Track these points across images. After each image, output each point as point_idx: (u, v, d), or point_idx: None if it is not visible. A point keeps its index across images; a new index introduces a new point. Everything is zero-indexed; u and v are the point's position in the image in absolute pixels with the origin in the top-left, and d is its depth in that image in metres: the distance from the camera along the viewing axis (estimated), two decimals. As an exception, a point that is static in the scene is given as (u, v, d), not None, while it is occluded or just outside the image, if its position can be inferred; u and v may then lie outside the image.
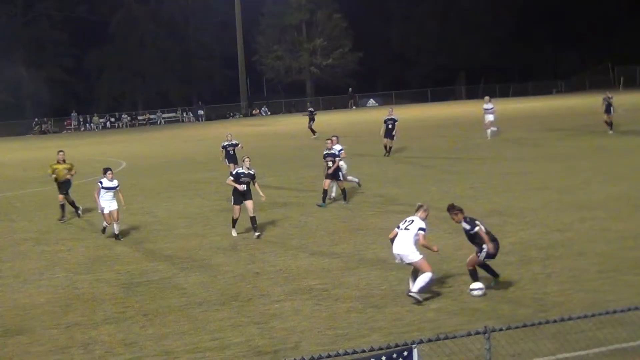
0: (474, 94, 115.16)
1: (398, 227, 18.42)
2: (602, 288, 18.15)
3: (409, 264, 18.20)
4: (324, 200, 30.63)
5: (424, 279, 17.85)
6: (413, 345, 10.01)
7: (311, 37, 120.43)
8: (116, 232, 26.82)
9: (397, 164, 42.36)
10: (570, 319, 11.50)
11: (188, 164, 48.78)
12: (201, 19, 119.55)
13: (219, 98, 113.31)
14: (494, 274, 18.64)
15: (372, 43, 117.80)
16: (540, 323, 11.07)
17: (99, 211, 27.03)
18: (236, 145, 38.76)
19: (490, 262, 18.51)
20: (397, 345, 10.11)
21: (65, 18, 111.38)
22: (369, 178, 37.53)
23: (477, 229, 18.13)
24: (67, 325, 17.85)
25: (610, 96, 50.79)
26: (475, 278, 18.27)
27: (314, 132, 62.70)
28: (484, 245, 18.04)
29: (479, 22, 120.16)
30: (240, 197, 25.84)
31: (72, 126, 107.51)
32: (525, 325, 11.09)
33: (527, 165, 38.23)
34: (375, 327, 16.44)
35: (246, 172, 25.92)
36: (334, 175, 30.80)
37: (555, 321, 11.16)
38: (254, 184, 26.04)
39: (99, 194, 26.67)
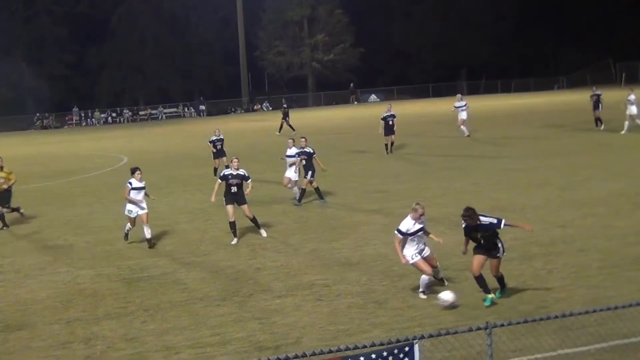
0: (475, 90, 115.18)
1: None
2: (604, 284, 18.15)
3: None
4: (299, 199, 30.53)
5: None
6: (414, 341, 10.01)
7: (313, 32, 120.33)
8: (148, 236, 24.93)
9: (398, 159, 42.34)
10: (571, 314, 11.49)
11: (189, 159, 48.77)
12: (202, 15, 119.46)
13: (220, 93, 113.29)
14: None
15: (374, 39, 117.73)
16: (541, 319, 11.06)
17: (126, 213, 25.25)
18: (223, 140, 40.04)
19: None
20: (398, 341, 10.11)
21: (66, 14, 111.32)
22: (371, 174, 37.57)
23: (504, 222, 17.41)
24: (69, 321, 17.86)
25: (598, 92, 50.50)
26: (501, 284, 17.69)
27: (292, 127, 62.60)
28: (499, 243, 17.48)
29: (479, 19, 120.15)
30: (231, 197, 24.97)
31: (74, 121, 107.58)
32: (526, 321, 11.09)
33: (528, 161, 38.21)
34: (376, 323, 16.45)
35: (234, 174, 24.93)
36: (305, 173, 30.45)
37: (556, 317, 11.15)
38: (247, 185, 25.15)
39: (129, 194, 24.89)
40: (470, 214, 17.18)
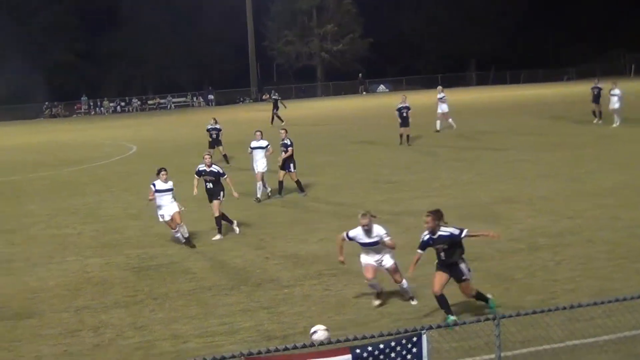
0: (484, 81, 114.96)
1: None
2: (612, 275, 18.14)
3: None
4: (279, 192, 30.39)
5: None
6: (422, 331, 10.03)
7: (321, 22, 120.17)
8: (185, 235, 23.56)
9: (407, 150, 42.29)
10: (579, 306, 11.50)
11: (198, 149, 48.60)
12: (212, 4, 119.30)
13: (229, 83, 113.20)
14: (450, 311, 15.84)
15: (383, 29, 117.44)
16: (549, 310, 11.07)
17: (160, 220, 24.03)
18: (220, 130, 41.10)
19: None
20: (406, 331, 10.13)
21: (77, 2, 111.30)
22: (381, 164, 37.58)
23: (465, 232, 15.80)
24: (77, 309, 17.93)
25: (599, 86, 50.25)
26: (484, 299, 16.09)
27: (280, 119, 62.34)
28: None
29: (488, 10, 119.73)
30: (207, 193, 24.62)
31: (83, 110, 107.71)
32: (534, 312, 11.10)
33: (534, 153, 38.16)
34: (384, 313, 16.47)
35: (207, 170, 24.44)
36: (284, 166, 30.29)
37: (564, 308, 11.16)
38: (224, 180, 24.58)
39: (153, 196, 23.55)
40: (434, 216, 15.74)
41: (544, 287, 17.58)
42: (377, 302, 17.03)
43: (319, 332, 13.56)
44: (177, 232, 23.50)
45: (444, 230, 15.67)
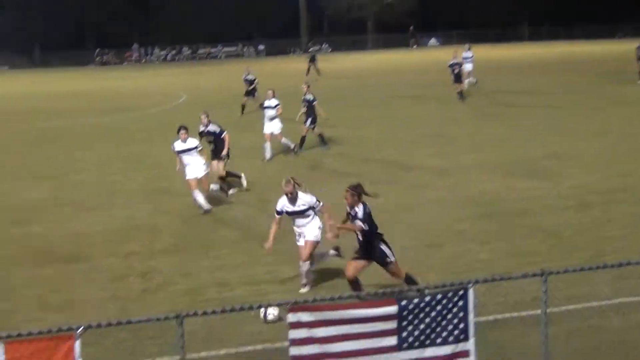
0: (537, 36, 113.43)
1: None
2: (663, 234, 17.94)
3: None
4: (300, 146, 30.08)
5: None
6: (469, 285, 9.99)
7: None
8: (205, 207, 21.65)
9: (456, 104, 41.96)
10: (629, 264, 11.41)
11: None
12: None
13: (280, 33, 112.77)
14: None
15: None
16: (598, 267, 10.97)
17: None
18: (254, 80, 41.68)
19: None
20: (452, 285, 10.11)
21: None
22: (429, 118, 37.39)
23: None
24: (126, 254, 18.10)
25: None
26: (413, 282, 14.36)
27: (318, 72, 62.10)
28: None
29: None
30: (212, 155, 23.81)
31: (133, 58, 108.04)
32: (582, 269, 11.02)
33: (585, 110, 37.78)
34: (431, 266, 16.44)
35: (204, 130, 23.65)
36: (307, 121, 29.96)
37: (613, 266, 11.06)
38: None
39: (178, 157, 21.96)
40: (352, 192, 14.40)
41: (592, 244, 17.43)
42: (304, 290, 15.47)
43: (270, 315, 13.44)
44: (196, 194, 21.77)
45: (362, 210, 14.19)
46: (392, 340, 9.76)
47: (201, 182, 21.90)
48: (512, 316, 13.13)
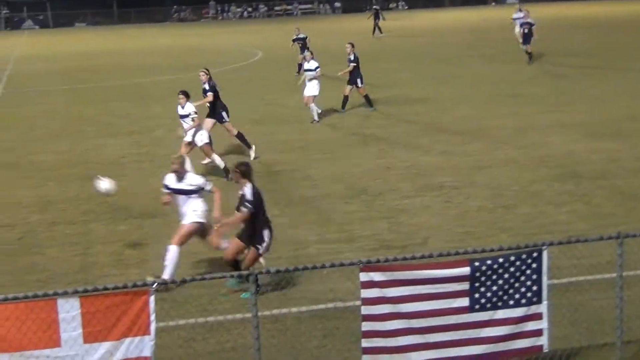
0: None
1: None
2: None
3: None
4: (343, 107, 29.67)
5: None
6: (543, 247, 9.91)
7: None
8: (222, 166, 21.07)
9: (530, 66, 41.31)
10: None
11: (321, 57, 48.70)
12: None
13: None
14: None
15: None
16: (676, 231, 10.77)
17: None
18: (304, 38, 41.73)
19: None
20: (527, 246, 10.03)
21: None
22: (501, 80, 36.89)
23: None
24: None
25: None
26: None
27: (380, 30, 61.58)
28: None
29: None
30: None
31: (210, 15, 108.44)
32: (660, 232, 10.83)
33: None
34: (504, 227, 16.34)
35: (203, 87, 23.28)
36: (351, 81, 29.58)
37: (693, 231, 10.85)
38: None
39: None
40: (242, 170, 13.60)
41: (672, 208, 17.14)
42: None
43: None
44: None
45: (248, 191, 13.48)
46: (463, 302, 9.74)
47: (205, 151, 21.34)
48: (586, 279, 13.00)
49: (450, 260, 10.03)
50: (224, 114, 23.38)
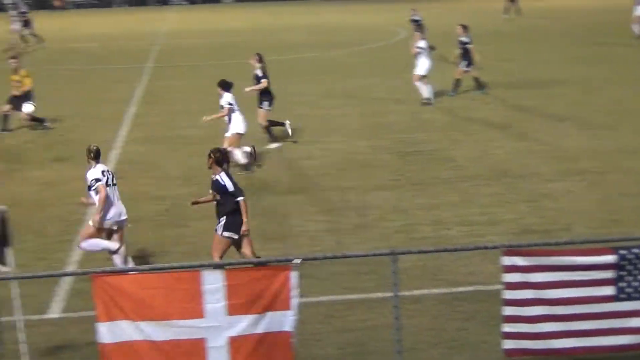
0: None
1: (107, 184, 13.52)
2: None
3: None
4: (454, 90, 28.83)
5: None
6: (693, 237, 9.67)
7: None
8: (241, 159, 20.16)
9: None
10: None
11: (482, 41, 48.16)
12: None
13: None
14: None
15: None
16: None
17: None
18: (418, 20, 40.02)
19: None
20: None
21: None
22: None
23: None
24: (343, 188, 18.45)
25: None
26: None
27: (516, 10, 59.32)
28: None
29: None
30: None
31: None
32: None
33: None
34: (652, 215, 15.96)
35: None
36: (462, 64, 28.87)
37: None
38: None
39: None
40: (216, 157, 13.21)
41: None
42: None
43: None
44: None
45: (222, 178, 13.18)
46: (609, 290, 9.60)
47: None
48: None
49: (595, 247, 9.88)
50: (265, 103, 22.47)
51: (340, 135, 23.72)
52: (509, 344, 9.76)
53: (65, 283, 13.52)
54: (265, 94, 22.41)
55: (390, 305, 9.75)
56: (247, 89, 22.33)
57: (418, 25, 37.92)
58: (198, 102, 28.28)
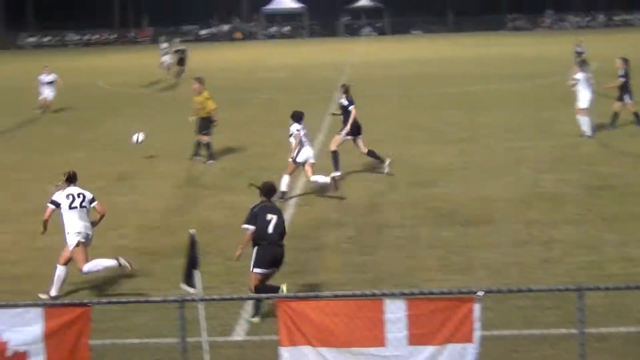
0: None
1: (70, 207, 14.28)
2: None
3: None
4: (612, 123, 27.77)
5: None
6: None
7: None
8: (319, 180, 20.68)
9: None
10: None
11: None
12: None
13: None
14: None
15: None
16: None
17: None
18: (582, 53, 40.22)
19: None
20: None
21: None
22: None
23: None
24: (528, 222, 18.12)
25: None
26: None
27: None
28: None
29: None
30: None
31: (546, 24, 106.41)
32: None
33: None
34: None
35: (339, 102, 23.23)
36: (621, 97, 27.82)
37: None
38: None
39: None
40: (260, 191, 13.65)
41: None
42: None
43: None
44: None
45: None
46: None
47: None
48: None
49: None
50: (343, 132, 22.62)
51: (528, 168, 23.28)
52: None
53: (249, 306, 13.78)
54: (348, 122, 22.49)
55: (575, 342, 9.47)
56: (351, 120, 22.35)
57: (580, 57, 37.17)
58: (379, 131, 28.22)
